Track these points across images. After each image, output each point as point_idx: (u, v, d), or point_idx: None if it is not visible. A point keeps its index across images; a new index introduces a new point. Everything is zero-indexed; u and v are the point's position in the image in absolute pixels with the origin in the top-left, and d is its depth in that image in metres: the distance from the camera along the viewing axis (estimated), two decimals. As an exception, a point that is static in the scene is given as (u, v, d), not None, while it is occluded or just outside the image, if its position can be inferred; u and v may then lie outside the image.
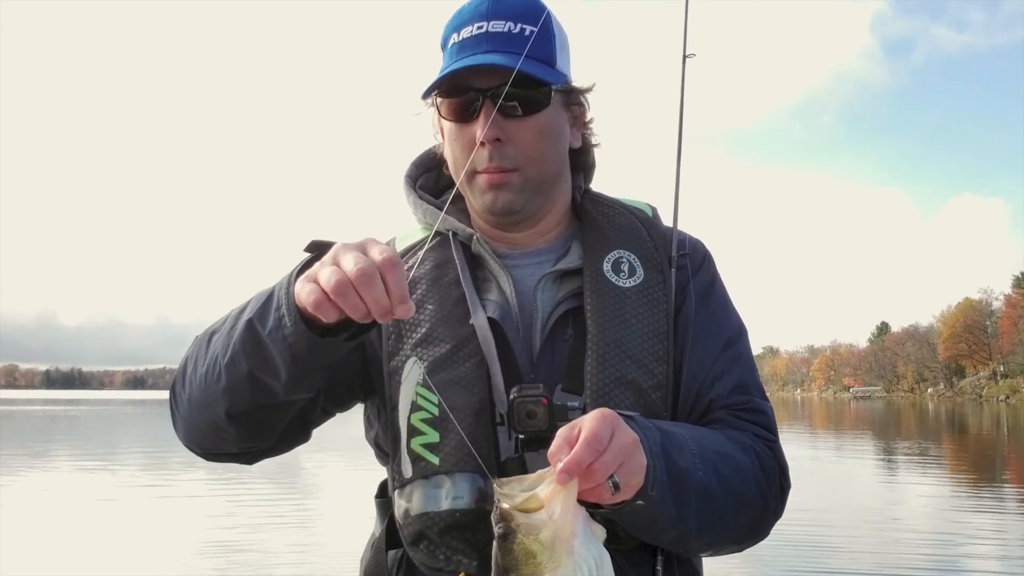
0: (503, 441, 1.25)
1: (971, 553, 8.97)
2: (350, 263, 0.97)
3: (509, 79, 1.24)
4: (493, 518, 0.96)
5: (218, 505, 11.97)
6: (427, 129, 1.43)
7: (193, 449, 1.32)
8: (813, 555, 8.44)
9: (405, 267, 1.29)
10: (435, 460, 1.23)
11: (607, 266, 1.34)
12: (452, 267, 1.34)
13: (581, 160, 1.45)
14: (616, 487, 1.00)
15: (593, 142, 1.45)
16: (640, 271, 1.35)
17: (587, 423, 1.00)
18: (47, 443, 26.29)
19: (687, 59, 1.46)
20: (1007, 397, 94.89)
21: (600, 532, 0.98)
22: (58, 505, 12.00)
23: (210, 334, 1.22)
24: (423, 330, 1.29)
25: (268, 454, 1.33)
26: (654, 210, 1.46)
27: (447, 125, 1.33)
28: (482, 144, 1.27)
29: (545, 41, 1.31)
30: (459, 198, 1.38)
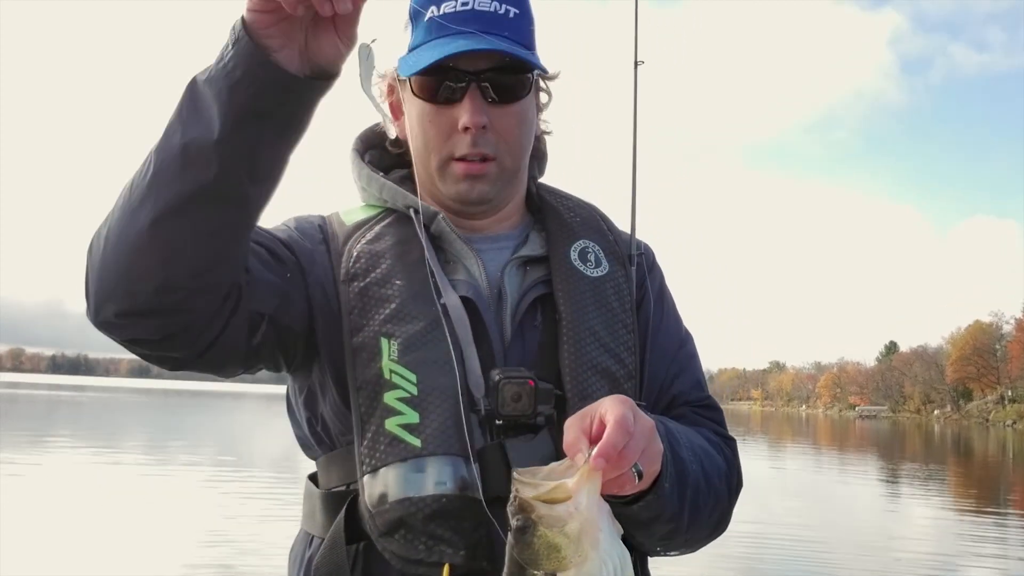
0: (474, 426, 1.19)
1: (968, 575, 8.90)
2: None
3: (496, 64, 1.21)
4: (510, 509, 0.89)
5: (220, 495, 11.99)
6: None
7: (106, 319, 1.07)
8: (814, 571, 8.38)
9: (364, 240, 1.27)
10: (416, 442, 1.15)
11: (574, 255, 1.32)
12: (416, 245, 1.26)
13: (535, 148, 1.40)
14: (640, 475, 0.97)
15: (546, 130, 1.41)
16: (605, 262, 1.34)
17: (611, 407, 0.95)
18: (51, 428, 26.35)
19: (638, 65, 1.46)
20: (1014, 422, 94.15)
21: (619, 529, 0.92)
22: (60, 491, 12.02)
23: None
24: (392, 306, 1.22)
25: (200, 359, 1.13)
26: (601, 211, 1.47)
27: (420, 104, 1.25)
28: (465, 129, 1.22)
29: (527, 24, 1.27)
30: (408, 178, 1.33)
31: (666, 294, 1.44)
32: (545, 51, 1.33)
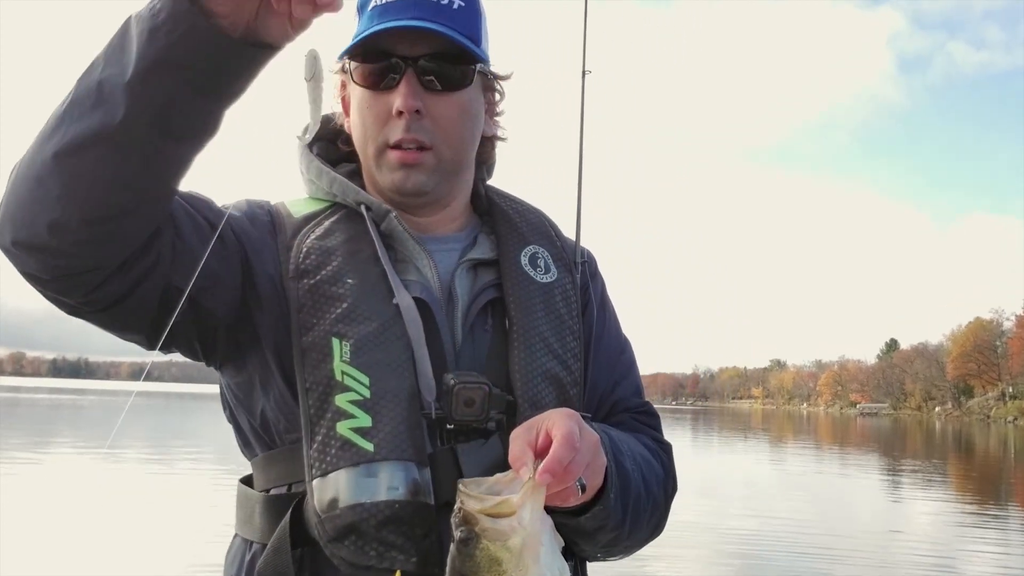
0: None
1: (972, 573, 8.91)
2: None
3: (434, 50, 1.20)
4: (454, 520, 0.90)
5: (222, 496, 11.99)
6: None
7: (2, 244, 1.03)
8: (816, 568, 8.38)
9: (314, 235, 1.24)
10: (369, 446, 1.12)
11: (524, 259, 1.31)
12: (367, 243, 1.23)
13: (485, 152, 1.39)
14: (583, 488, 0.98)
15: (500, 135, 1.39)
16: (554, 268, 1.34)
17: (558, 421, 0.97)
18: (53, 431, 26.36)
19: (586, 75, 1.46)
20: (1015, 419, 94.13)
21: (561, 542, 0.95)
22: (63, 493, 12.00)
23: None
24: (344, 305, 1.18)
25: (97, 313, 1.08)
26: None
27: (359, 92, 1.24)
28: (399, 114, 1.20)
29: (473, 17, 1.25)
30: (357, 173, 1.32)
31: (607, 302, 1.44)
32: (499, 53, 1.33)
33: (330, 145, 1.36)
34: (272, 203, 1.32)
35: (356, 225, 1.25)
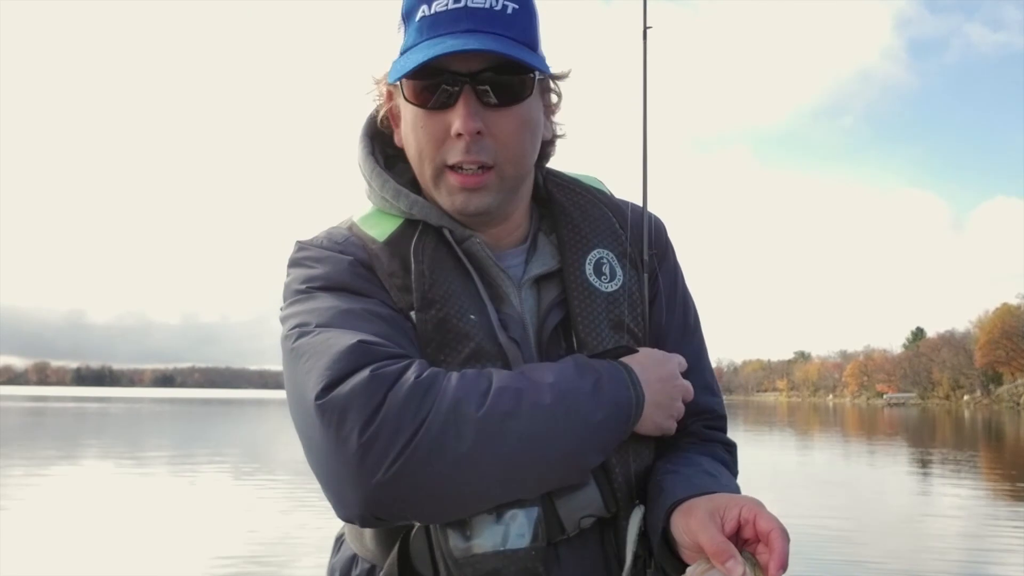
0: None
1: (1005, 561, 8.72)
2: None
3: (491, 64, 1.11)
4: None
5: (245, 499, 12.02)
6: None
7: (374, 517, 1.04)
8: (844, 560, 8.25)
9: (425, 263, 1.17)
10: None
11: (589, 268, 1.23)
12: (464, 270, 1.18)
13: (545, 151, 1.30)
14: None
15: (558, 132, 1.30)
16: (619, 272, 1.25)
17: (760, 513, 0.99)
18: (81, 439, 26.61)
19: (647, 30, 1.31)
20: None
21: None
22: (90, 498, 12.10)
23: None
24: (472, 344, 1.13)
25: None
26: (605, 186, 1.36)
27: (412, 110, 1.15)
28: (458, 136, 1.12)
29: (528, 20, 1.15)
30: (416, 183, 1.25)
31: (678, 286, 1.35)
32: (552, 44, 1.22)
33: (388, 143, 1.28)
34: (344, 229, 1.24)
35: (448, 249, 1.19)
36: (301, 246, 1.23)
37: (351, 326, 1.07)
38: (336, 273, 1.16)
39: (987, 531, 10.69)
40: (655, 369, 1.16)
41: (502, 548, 1.06)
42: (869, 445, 29.23)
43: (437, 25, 1.10)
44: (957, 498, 14.08)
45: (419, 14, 1.12)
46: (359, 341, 1.03)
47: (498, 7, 1.11)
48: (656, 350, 1.21)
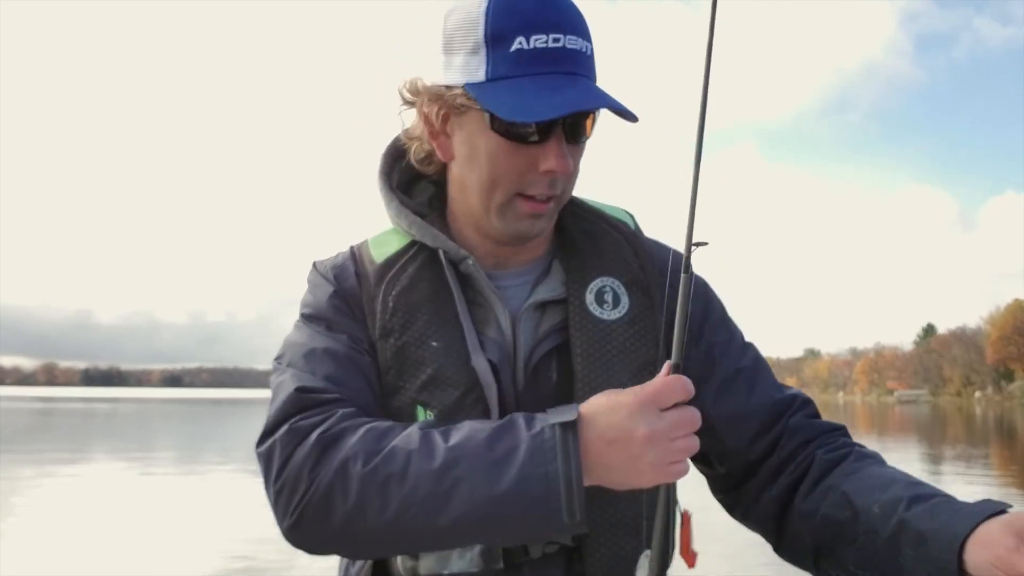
0: None
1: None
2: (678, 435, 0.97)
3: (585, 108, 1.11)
4: None
5: (255, 502, 11.97)
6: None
7: (307, 548, 1.08)
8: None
9: (398, 287, 1.20)
10: None
11: (590, 297, 1.22)
12: (448, 295, 1.18)
13: None
14: None
15: None
16: (624, 299, 1.23)
17: None
18: (90, 439, 26.69)
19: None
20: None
21: None
22: (100, 497, 12.12)
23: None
24: (429, 371, 1.15)
25: None
26: (634, 219, 1.33)
27: (494, 140, 1.13)
28: (546, 172, 1.12)
29: (594, 58, 1.15)
30: (436, 202, 1.26)
31: (712, 308, 1.33)
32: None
33: (404, 166, 1.29)
34: (355, 248, 1.28)
35: (438, 272, 1.20)
36: (312, 267, 1.29)
37: (307, 368, 1.14)
38: (318, 303, 1.22)
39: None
40: (613, 429, 0.98)
41: (443, 572, 1.10)
42: (880, 442, 29.03)
43: (536, 61, 1.09)
44: (968, 494, 13.89)
45: (514, 45, 1.09)
46: (296, 389, 1.09)
47: (585, 50, 1.12)
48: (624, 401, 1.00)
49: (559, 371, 1.19)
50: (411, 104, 1.21)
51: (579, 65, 1.11)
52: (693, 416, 0.98)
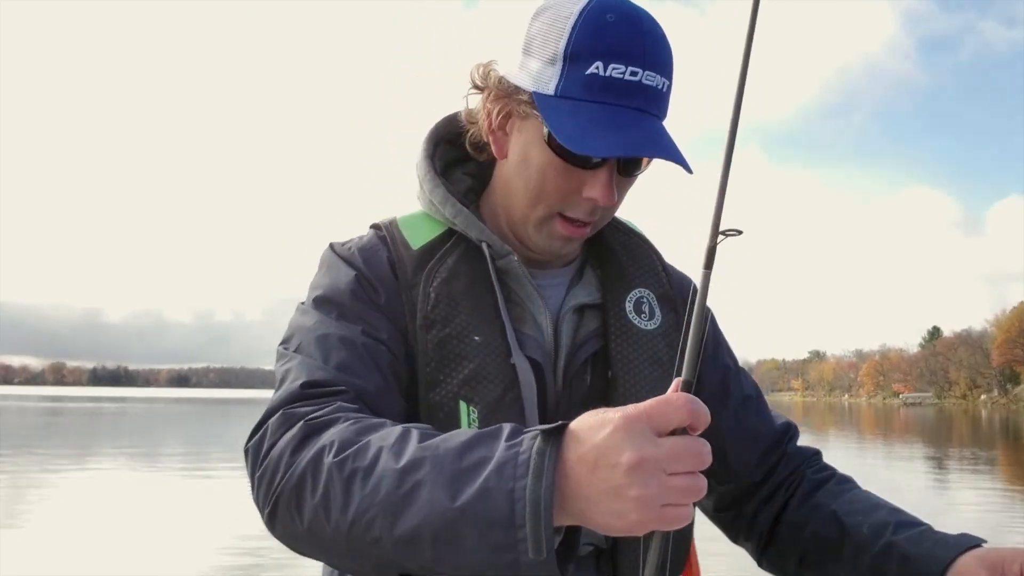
0: None
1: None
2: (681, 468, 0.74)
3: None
4: None
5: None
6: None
7: (284, 543, 1.00)
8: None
9: (439, 279, 1.17)
10: None
11: (630, 305, 1.24)
12: (486, 289, 1.17)
13: None
14: None
15: None
16: (658, 312, 1.26)
17: None
18: (98, 439, 26.80)
19: None
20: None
21: None
22: (107, 497, 12.15)
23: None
24: (471, 366, 1.12)
25: None
26: (641, 231, 1.37)
27: (548, 155, 1.12)
28: (588, 199, 1.12)
29: (670, 94, 1.13)
30: (474, 189, 1.25)
31: (718, 336, 1.39)
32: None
33: (452, 146, 1.28)
34: (384, 227, 1.24)
35: (477, 265, 1.18)
36: (328, 248, 1.25)
37: (319, 355, 1.08)
38: (335, 286, 1.17)
39: (1005, 532, 10.61)
40: (594, 450, 0.77)
41: None
42: (885, 445, 29.06)
43: (608, 91, 1.06)
44: (975, 499, 13.96)
45: (591, 68, 1.06)
46: (304, 379, 1.04)
47: (663, 88, 1.10)
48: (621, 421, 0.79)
49: (594, 374, 1.20)
50: (479, 90, 1.20)
51: (650, 102, 1.08)
52: (699, 449, 0.75)
